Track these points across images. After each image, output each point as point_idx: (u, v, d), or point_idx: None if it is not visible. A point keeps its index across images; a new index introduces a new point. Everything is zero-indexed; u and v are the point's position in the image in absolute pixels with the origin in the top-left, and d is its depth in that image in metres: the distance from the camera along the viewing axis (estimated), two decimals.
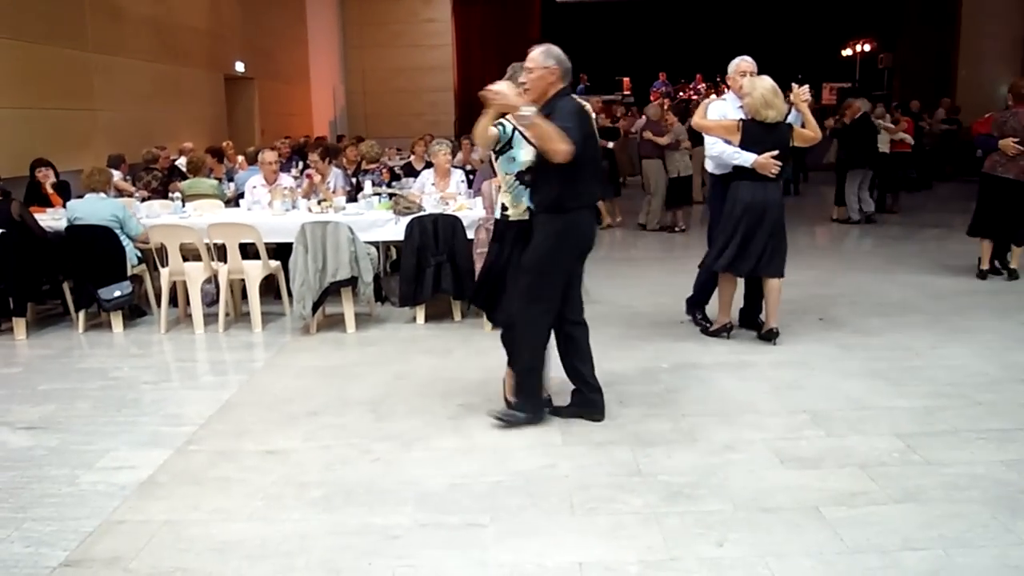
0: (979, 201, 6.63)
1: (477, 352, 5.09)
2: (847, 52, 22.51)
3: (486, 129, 3.65)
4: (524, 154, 3.69)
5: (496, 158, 3.83)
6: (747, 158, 4.74)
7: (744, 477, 3.26)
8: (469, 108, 19.43)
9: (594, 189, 3.79)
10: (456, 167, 7.52)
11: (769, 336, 4.96)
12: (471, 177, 7.44)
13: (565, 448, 3.58)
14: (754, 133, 4.76)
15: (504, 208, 3.83)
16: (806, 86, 4.97)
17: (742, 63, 5.03)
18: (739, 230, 4.81)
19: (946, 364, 4.63)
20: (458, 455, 3.54)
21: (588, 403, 3.86)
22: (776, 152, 4.74)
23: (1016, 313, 5.66)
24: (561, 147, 3.38)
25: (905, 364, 4.63)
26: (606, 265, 7.68)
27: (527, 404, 3.79)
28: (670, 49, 21.81)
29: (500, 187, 3.92)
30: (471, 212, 5.78)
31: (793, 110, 5.00)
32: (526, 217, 3.74)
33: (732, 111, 4.99)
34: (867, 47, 21.50)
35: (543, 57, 3.59)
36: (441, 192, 6.32)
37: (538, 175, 3.64)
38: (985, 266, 6.65)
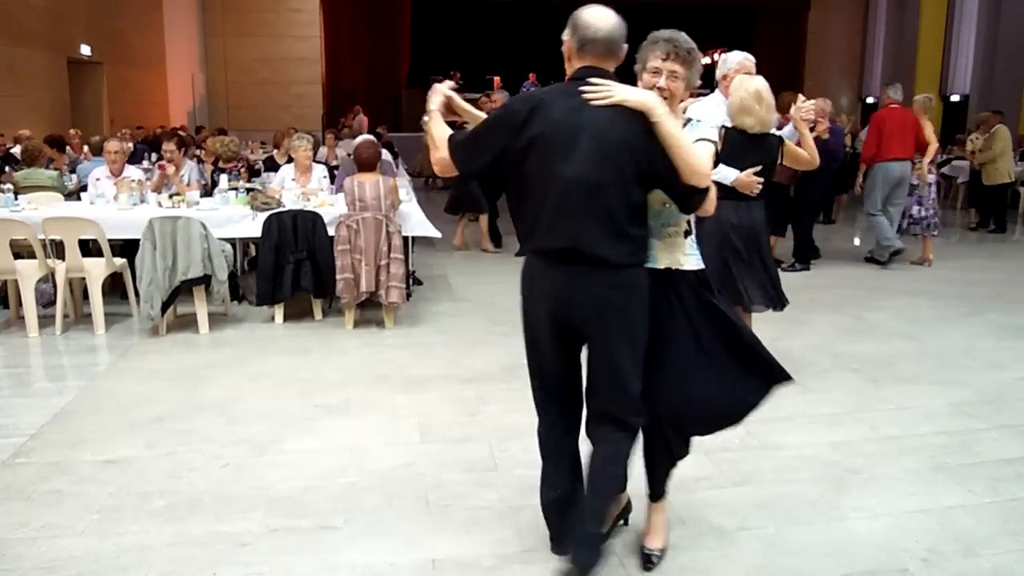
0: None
1: (337, 351, 4.98)
2: (705, 60, 23.67)
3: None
4: None
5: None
6: (727, 174, 3.94)
7: None
8: (337, 102, 19.04)
9: None
10: (319, 163, 7.34)
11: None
12: (334, 173, 7.27)
13: (423, 446, 3.57)
14: (736, 143, 3.94)
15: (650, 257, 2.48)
16: (810, 102, 4.24)
17: (746, 61, 4.17)
18: (739, 256, 4.17)
19: (785, 355, 4.87)
20: (313, 457, 3.45)
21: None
22: (758, 168, 4.00)
23: (848, 307, 6.13)
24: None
25: None
26: (471, 263, 7.75)
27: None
28: (540, 50, 22.13)
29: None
30: (332, 208, 5.64)
31: (789, 125, 4.30)
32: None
33: (715, 112, 4.04)
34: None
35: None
36: (302, 188, 6.14)
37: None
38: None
